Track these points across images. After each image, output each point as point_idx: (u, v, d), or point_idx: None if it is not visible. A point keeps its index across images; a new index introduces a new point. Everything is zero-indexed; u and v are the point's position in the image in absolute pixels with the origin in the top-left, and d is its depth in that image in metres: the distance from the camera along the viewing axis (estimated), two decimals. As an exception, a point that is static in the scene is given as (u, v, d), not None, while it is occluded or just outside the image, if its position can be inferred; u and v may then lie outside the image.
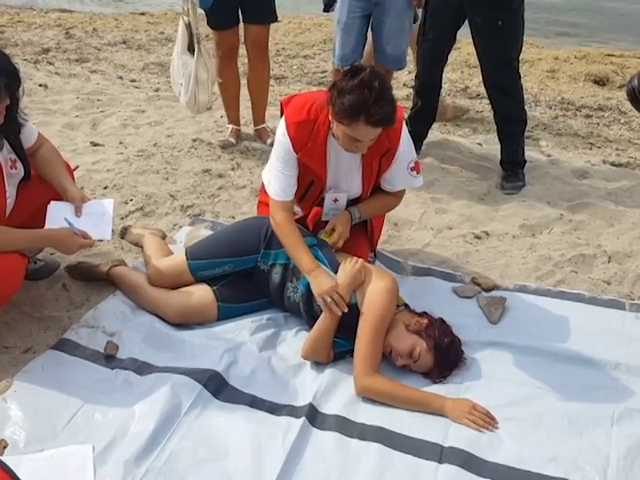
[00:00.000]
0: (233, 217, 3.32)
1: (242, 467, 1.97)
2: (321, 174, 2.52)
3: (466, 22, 3.63)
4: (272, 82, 4.90)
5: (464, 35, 3.81)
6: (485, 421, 2.12)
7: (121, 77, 5.54)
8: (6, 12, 7.52)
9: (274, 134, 2.70)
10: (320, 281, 2.34)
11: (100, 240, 2.59)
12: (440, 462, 1.99)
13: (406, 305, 2.48)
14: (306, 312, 2.47)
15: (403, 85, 5.32)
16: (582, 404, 2.21)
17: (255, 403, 2.20)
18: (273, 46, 5.84)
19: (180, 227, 3.23)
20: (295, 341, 2.49)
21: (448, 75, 5.33)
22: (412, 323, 2.34)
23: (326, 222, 2.63)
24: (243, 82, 4.18)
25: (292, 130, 2.42)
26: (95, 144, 4.10)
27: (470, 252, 3.12)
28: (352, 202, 2.66)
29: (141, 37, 6.79)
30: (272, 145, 2.60)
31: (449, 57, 3.90)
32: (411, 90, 4.39)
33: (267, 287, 2.58)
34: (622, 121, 4.86)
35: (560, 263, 3.03)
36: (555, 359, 2.41)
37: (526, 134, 3.90)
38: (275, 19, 3.99)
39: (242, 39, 4.00)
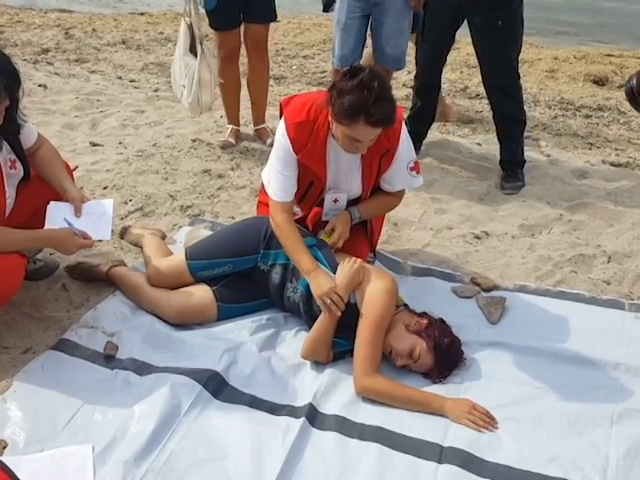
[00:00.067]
0: (233, 217, 3.32)
1: (242, 467, 1.97)
2: (321, 175, 2.52)
3: (465, 22, 3.63)
4: (272, 82, 4.90)
5: (464, 35, 3.81)
6: (485, 421, 2.12)
7: (120, 77, 5.54)
8: (5, 12, 7.53)
9: (274, 134, 2.70)
10: (319, 282, 2.34)
11: (100, 240, 2.59)
12: (440, 462, 1.99)
13: (406, 305, 2.48)
14: (306, 312, 2.47)
15: (402, 85, 5.32)
16: (582, 404, 2.21)
17: (255, 403, 2.20)
18: (273, 46, 5.84)
19: (180, 227, 3.23)
20: (295, 341, 2.49)
21: (447, 75, 5.34)
22: (412, 323, 2.34)
23: (326, 222, 2.63)
24: (243, 82, 4.18)
25: (292, 131, 2.42)
26: (94, 144, 4.10)
27: (470, 252, 3.12)
28: (352, 202, 2.66)
29: (140, 37, 6.79)
30: (272, 145, 2.60)
31: (448, 57, 3.90)
32: (410, 90, 4.39)
33: (267, 287, 2.58)
34: (621, 121, 4.86)
35: (560, 263, 3.03)
36: (555, 359, 2.41)
37: (525, 134, 3.90)
38: (275, 18, 4.00)
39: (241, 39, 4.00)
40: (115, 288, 2.71)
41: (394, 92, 2.50)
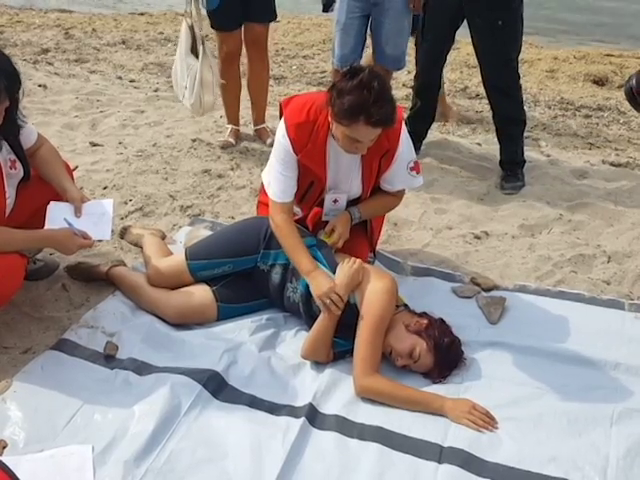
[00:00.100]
0: (233, 217, 3.32)
1: (242, 467, 1.97)
2: (321, 175, 2.52)
3: (465, 22, 3.63)
4: (271, 82, 4.90)
5: (464, 35, 3.81)
6: (485, 421, 2.12)
7: (120, 77, 5.54)
8: (5, 12, 7.53)
9: (274, 134, 2.70)
10: (319, 282, 2.34)
11: (100, 240, 2.59)
12: (440, 462, 1.99)
13: (406, 305, 2.48)
14: (305, 312, 2.47)
15: (402, 85, 5.32)
16: (582, 404, 2.21)
17: (255, 403, 2.20)
18: (272, 46, 5.84)
19: (180, 227, 3.23)
20: (295, 341, 2.49)
21: (447, 75, 5.34)
22: (412, 323, 2.34)
23: (326, 222, 2.63)
24: (243, 82, 4.18)
25: (292, 131, 2.42)
26: (94, 144, 4.10)
27: (470, 252, 3.12)
28: (352, 202, 2.66)
29: (140, 37, 6.79)
30: (272, 145, 2.60)
31: (448, 57, 3.90)
32: (410, 90, 4.39)
33: (267, 287, 2.58)
34: (621, 121, 4.86)
35: (560, 263, 3.03)
36: (555, 359, 2.41)
37: (525, 134, 3.90)
38: (275, 18, 4.00)
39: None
40: (115, 288, 2.71)
41: (394, 92, 2.50)
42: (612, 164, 4.09)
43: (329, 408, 2.19)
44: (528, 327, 2.58)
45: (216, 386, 2.23)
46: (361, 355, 2.25)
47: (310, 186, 2.57)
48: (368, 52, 4.02)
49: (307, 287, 2.41)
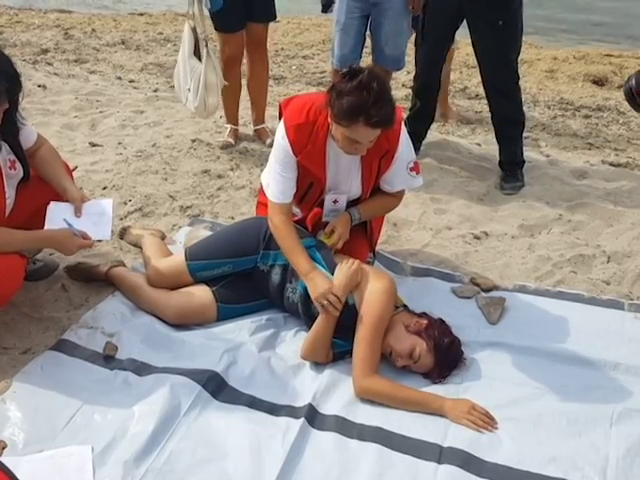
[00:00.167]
0: (232, 217, 3.32)
1: (241, 468, 1.97)
2: (321, 176, 2.52)
3: (465, 22, 3.63)
4: (271, 82, 4.90)
5: (464, 35, 3.81)
6: (484, 421, 2.12)
7: (120, 78, 5.54)
8: (5, 13, 7.53)
9: (273, 134, 2.70)
10: (316, 283, 2.34)
11: (100, 240, 2.59)
12: (439, 462, 1.99)
13: (405, 306, 2.48)
14: (304, 313, 2.47)
15: (402, 85, 5.33)
16: (581, 404, 2.21)
17: (254, 404, 2.20)
18: (272, 46, 5.85)
19: (179, 228, 3.23)
20: (294, 341, 2.48)
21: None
22: (412, 324, 2.34)
23: (326, 223, 2.63)
24: (242, 82, 4.18)
25: (291, 133, 2.42)
26: (94, 144, 4.10)
27: (469, 252, 3.12)
28: (352, 203, 2.66)
29: (140, 38, 6.79)
30: (271, 145, 2.60)
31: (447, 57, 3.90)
32: (410, 90, 4.40)
33: (267, 288, 2.58)
34: (621, 121, 4.87)
35: (559, 263, 3.03)
36: (554, 359, 2.41)
37: (525, 134, 3.90)
38: (275, 18, 4.00)
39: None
40: (114, 288, 2.71)
41: (393, 92, 2.50)
42: (612, 164, 4.09)
43: (329, 408, 2.19)
44: (528, 327, 2.58)
45: (216, 386, 2.23)
46: (360, 356, 2.25)
47: (310, 187, 2.57)
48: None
49: (306, 288, 2.41)
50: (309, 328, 2.40)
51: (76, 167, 2.85)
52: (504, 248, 3.17)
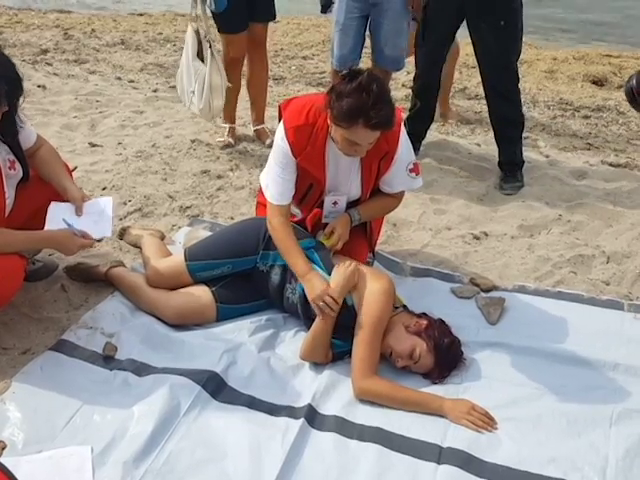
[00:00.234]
0: (232, 218, 3.32)
1: (241, 468, 1.97)
2: (320, 178, 2.51)
3: (464, 22, 3.62)
4: (271, 83, 4.90)
5: (463, 36, 3.81)
6: (484, 422, 2.12)
7: (119, 78, 5.54)
8: (5, 13, 7.53)
9: (273, 134, 2.70)
10: (313, 285, 2.33)
11: (99, 240, 2.58)
12: (439, 463, 1.99)
13: (404, 306, 2.48)
14: (304, 313, 2.47)
15: (402, 85, 5.32)
16: (581, 405, 2.21)
17: (254, 404, 2.20)
18: (272, 47, 5.84)
19: (179, 228, 3.23)
20: (294, 342, 2.48)
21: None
22: (412, 324, 2.34)
23: (326, 224, 2.63)
24: (242, 82, 4.18)
25: (291, 135, 2.42)
26: (94, 145, 4.10)
27: (469, 253, 3.12)
28: (351, 204, 2.66)
29: (139, 38, 6.79)
30: (271, 146, 2.60)
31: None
32: (409, 91, 4.40)
33: (266, 288, 2.58)
34: (620, 122, 4.86)
35: (559, 264, 3.03)
36: (554, 360, 2.41)
37: (524, 135, 3.91)
38: (274, 18, 4.00)
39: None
40: (114, 289, 2.71)
41: (393, 93, 2.50)
42: (611, 164, 4.09)
43: (328, 409, 2.19)
44: (527, 328, 2.58)
45: (215, 387, 2.23)
46: (359, 357, 2.25)
47: (309, 188, 2.57)
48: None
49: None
50: (308, 328, 2.40)
51: (76, 167, 2.85)
52: (504, 248, 3.17)
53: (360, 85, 2.19)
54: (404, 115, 3.74)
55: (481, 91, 4.12)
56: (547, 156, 4.19)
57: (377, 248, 2.93)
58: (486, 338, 2.52)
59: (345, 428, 2.12)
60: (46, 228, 2.39)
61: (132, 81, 5.49)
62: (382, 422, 2.13)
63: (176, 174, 3.76)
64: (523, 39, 3.64)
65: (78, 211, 2.44)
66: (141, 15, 7.94)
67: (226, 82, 3.79)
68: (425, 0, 3.58)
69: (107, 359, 2.36)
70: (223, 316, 2.56)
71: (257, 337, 2.48)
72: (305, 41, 6.81)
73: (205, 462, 1.98)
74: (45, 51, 6.11)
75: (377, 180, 2.58)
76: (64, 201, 2.47)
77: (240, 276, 2.59)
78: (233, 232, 2.70)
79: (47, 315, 2.57)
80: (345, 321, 2.32)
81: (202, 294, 2.56)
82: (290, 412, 2.17)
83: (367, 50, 4.05)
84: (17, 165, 2.40)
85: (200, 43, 3.72)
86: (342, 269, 2.36)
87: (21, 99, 2.27)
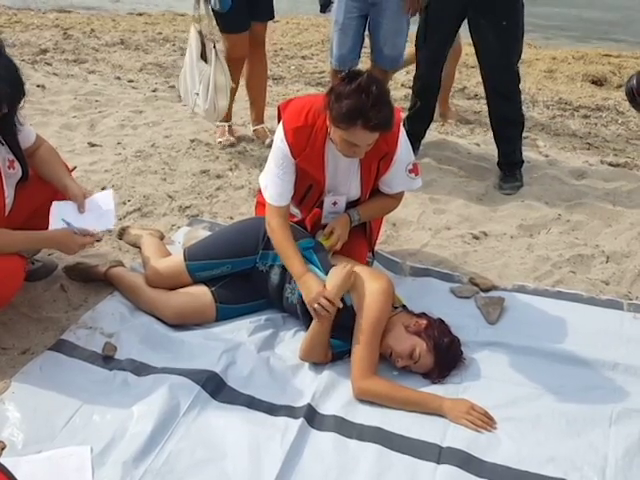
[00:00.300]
0: (231, 218, 3.32)
1: (240, 468, 1.97)
2: (320, 178, 2.51)
3: (465, 22, 3.62)
4: (270, 82, 4.90)
5: (463, 36, 3.81)
6: (483, 421, 2.12)
7: (119, 78, 5.54)
8: (4, 13, 7.52)
9: (272, 134, 2.70)
10: (308, 287, 2.33)
11: (99, 240, 2.57)
12: (438, 462, 1.99)
13: (404, 306, 2.48)
14: (303, 314, 2.47)
15: (401, 85, 5.32)
16: (580, 404, 2.21)
17: (253, 404, 2.20)
18: (271, 46, 5.84)
19: (178, 228, 3.22)
20: (293, 342, 2.48)
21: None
22: (411, 324, 2.34)
23: (326, 224, 2.63)
24: (241, 82, 4.18)
25: (290, 136, 2.41)
26: (93, 145, 4.10)
27: (468, 252, 3.12)
28: (351, 204, 2.66)
29: (139, 38, 6.79)
30: (270, 145, 2.60)
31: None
32: (409, 90, 4.40)
33: (266, 288, 2.58)
34: (620, 121, 4.86)
35: (558, 263, 3.03)
36: (553, 359, 2.42)
37: (524, 134, 3.90)
38: (273, 17, 4.00)
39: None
40: (113, 289, 2.71)
41: (392, 92, 2.50)
42: (610, 164, 4.09)
43: (328, 409, 2.19)
44: (527, 327, 2.58)
45: (215, 387, 2.23)
46: (358, 357, 2.25)
47: (309, 189, 2.57)
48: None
49: (305, 289, 2.40)
50: (308, 328, 2.40)
51: (75, 167, 2.85)
52: (503, 248, 3.17)
53: (359, 86, 2.19)
54: (403, 115, 3.74)
55: (480, 91, 4.13)
56: (546, 156, 4.19)
57: (377, 248, 2.93)
58: (485, 338, 2.53)
59: (344, 428, 2.12)
60: (50, 228, 2.39)
61: (131, 81, 5.48)
62: (381, 422, 2.13)
63: (175, 174, 3.75)
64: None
65: (80, 208, 2.45)
66: (140, 15, 7.94)
67: (230, 82, 3.78)
68: (426, 0, 3.58)
69: (106, 359, 2.36)
70: (222, 316, 2.56)
71: (256, 337, 2.48)
72: (304, 41, 6.81)
73: (204, 462, 1.98)
74: (44, 51, 6.11)
75: (376, 181, 2.58)
76: (65, 199, 2.47)
77: (239, 276, 2.59)
78: (232, 232, 2.70)
79: (46, 315, 2.57)
80: (344, 321, 2.32)
81: (201, 294, 2.55)
82: (289, 412, 2.17)
83: (366, 50, 4.05)
84: (16, 164, 2.40)
85: (203, 44, 3.72)
86: (338, 271, 2.35)
87: (22, 105, 2.27)
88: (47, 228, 2.40)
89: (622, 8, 9.81)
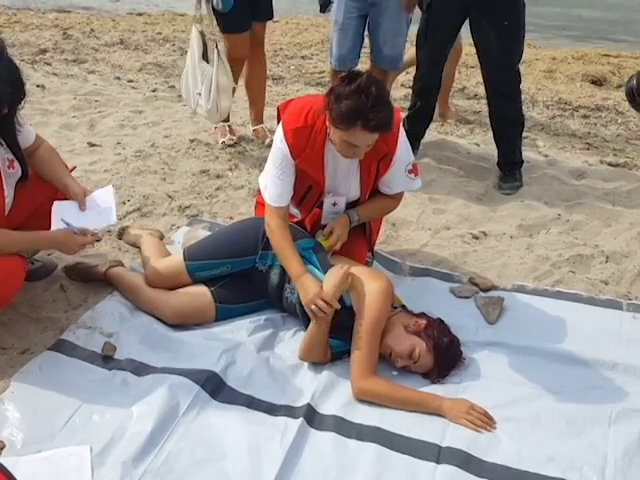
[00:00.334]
0: (231, 218, 3.32)
1: (240, 468, 1.97)
2: (319, 179, 2.51)
3: (466, 22, 3.62)
4: (270, 82, 4.90)
5: (464, 37, 3.81)
6: (483, 421, 2.12)
7: (118, 78, 5.54)
8: (4, 12, 7.52)
9: (272, 134, 2.70)
10: (306, 288, 2.33)
11: (99, 240, 2.57)
12: (438, 462, 1.99)
13: (403, 306, 2.48)
14: (302, 313, 2.46)
15: (401, 85, 5.32)
16: (580, 404, 2.21)
17: (253, 404, 2.20)
18: (271, 46, 5.84)
19: (178, 228, 3.22)
20: (293, 342, 2.48)
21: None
22: (411, 324, 2.34)
23: (325, 225, 2.63)
24: (240, 82, 4.18)
25: (290, 137, 2.41)
26: (92, 145, 4.10)
27: (468, 252, 3.12)
28: (351, 204, 2.66)
29: (138, 38, 6.78)
30: (270, 145, 2.60)
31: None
32: (409, 90, 4.40)
33: (265, 288, 2.58)
34: (619, 121, 4.86)
35: (558, 263, 3.03)
36: (553, 359, 2.42)
37: (523, 134, 3.90)
38: (273, 17, 4.00)
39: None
40: (113, 289, 2.71)
41: (392, 92, 2.50)
42: (610, 164, 4.09)
43: (327, 408, 2.19)
44: (526, 327, 2.58)
45: (214, 387, 2.23)
46: (357, 357, 2.25)
47: (309, 190, 2.57)
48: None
49: (305, 289, 2.40)
50: (307, 328, 2.40)
51: (75, 167, 2.85)
52: (503, 248, 3.17)
53: (359, 87, 2.19)
54: (403, 115, 3.74)
55: (480, 91, 4.13)
56: (546, 156, 4.19)
57: (376, 248, 2.93)
58: (485, 337, 2.53)
59: (344, 428, 2.12)
60: (52, 229, 2.40)
61: (131, 81, 5.48)
62: (381, 422, 2.13)
63: (175, 174, 3.75)
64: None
65: (81, 206, 2.45)
66: (140, 15, 7.93)
67: (232, 82, 3.78)
68: (428, 0, 3.58)
69: (106, 359, 2.36)
70: (222, 316, 2.56)
71: (256, 337, 2.49)
72: (304, 41, 6.81)
73: (204, 462, 1.98)
74: (44, 51, 6.11)
75: (376, 181, 2.58)
76: (65, 199, 2.48)
77: (239, 276, 2.59)
78: (232, 232, 2.70)
79: (46, 315, 2.57)
80: (343, 321, 2.32)
81: (201, 294, 2.56)
82: (289, 412, 2.17)
83: (366, 50, 4.05)
84: (16, 164, 2.40)
85: (205, 44, 3.71)
86: (335, 272, 2.35)
87: (23, 106, 2.27)
88: (47, 228, 2.40)
89: (622, 8, 9.81)
